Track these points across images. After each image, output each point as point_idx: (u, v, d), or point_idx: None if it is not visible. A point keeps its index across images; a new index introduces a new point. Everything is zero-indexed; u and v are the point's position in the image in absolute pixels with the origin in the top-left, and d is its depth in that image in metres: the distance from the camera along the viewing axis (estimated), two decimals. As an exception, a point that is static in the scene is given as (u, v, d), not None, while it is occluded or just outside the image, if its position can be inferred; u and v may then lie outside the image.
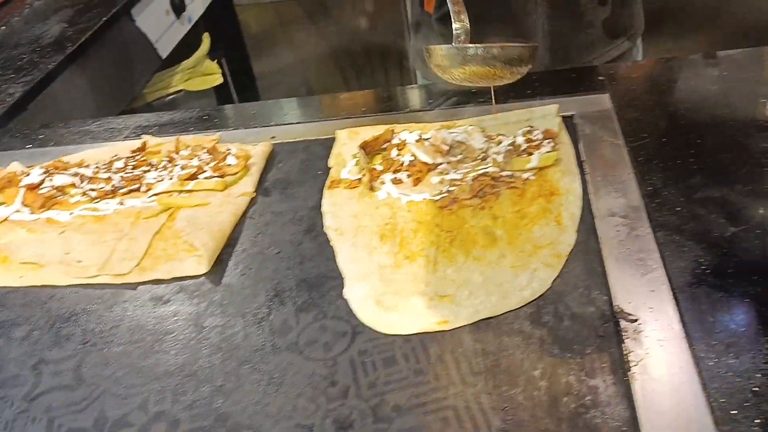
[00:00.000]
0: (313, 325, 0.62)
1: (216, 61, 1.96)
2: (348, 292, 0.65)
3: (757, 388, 0.49)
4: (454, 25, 0.77)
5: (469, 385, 0.54)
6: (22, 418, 0.59)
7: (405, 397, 0.54)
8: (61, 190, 0.86)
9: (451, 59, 0.76)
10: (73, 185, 0.86)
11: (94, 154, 0.92)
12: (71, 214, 0.82)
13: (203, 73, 1.90)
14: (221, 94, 2.04)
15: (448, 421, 0.52)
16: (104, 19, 1.44)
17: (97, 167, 0.87)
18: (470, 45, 0.76)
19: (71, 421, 0.58)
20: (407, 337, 0.59)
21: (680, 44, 2.07)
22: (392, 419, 0.53)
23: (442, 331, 0.59)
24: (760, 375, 0.50)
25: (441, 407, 0.53)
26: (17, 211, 0.84)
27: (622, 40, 1.06)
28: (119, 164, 0.86)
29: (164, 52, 1.69)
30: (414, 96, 0.98)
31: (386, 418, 0.53)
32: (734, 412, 0.48)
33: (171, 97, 1.85)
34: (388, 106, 0.94)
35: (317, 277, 0.68)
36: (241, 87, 2.23)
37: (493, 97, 0.82)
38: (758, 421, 0.47)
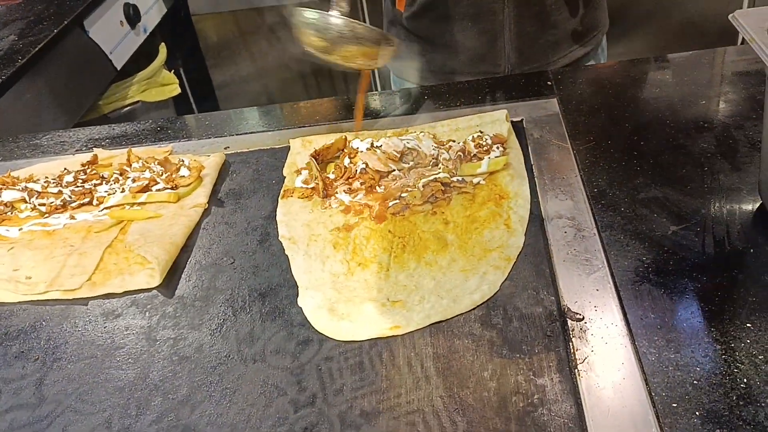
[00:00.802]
0: (277, 335, 0.62)
1: (173, 71, 1.94)
2: (302, 301, 0.65)
3: (696, 381, 0.51)
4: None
5: (421, 389, 0.55)
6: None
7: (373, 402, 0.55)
8: (10, 205, 0.84)
9: (315, 28, 0.75)
10: (23, 200, 0.85)
11: (43, 168, 0.91)
12: (21, 229, 0.81)
13: (160, 83, 1.88)
14: (180, 104, 2.02)
15: (414, 426, 0.52)
16: (55, 31, 1.41)
17: (46, 181, 0.86)
18: (333, 13, 0.75)
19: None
20: (368, 342, 0.60)
21: (642, 43, 2.11)
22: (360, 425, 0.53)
23: (395, 336, 0.60)
24: (699, 369, 0.52)
25: (404, 412, 0.53)
26: (-35, 229, 0.82)
27: (586, 40, 1.08)
28: (69, 178, 0.85)
29: (119, 63, 1.67)
30: (371, 103, 0.98)
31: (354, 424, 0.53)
32: (675, 405, 0.49)
33: (128, 108, 1.82)
34: (343, 115, 0.94)
35: (271, 286, 0.68)
36: (201, 97, 2.21)
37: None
38: (698, 413, 0.49)
